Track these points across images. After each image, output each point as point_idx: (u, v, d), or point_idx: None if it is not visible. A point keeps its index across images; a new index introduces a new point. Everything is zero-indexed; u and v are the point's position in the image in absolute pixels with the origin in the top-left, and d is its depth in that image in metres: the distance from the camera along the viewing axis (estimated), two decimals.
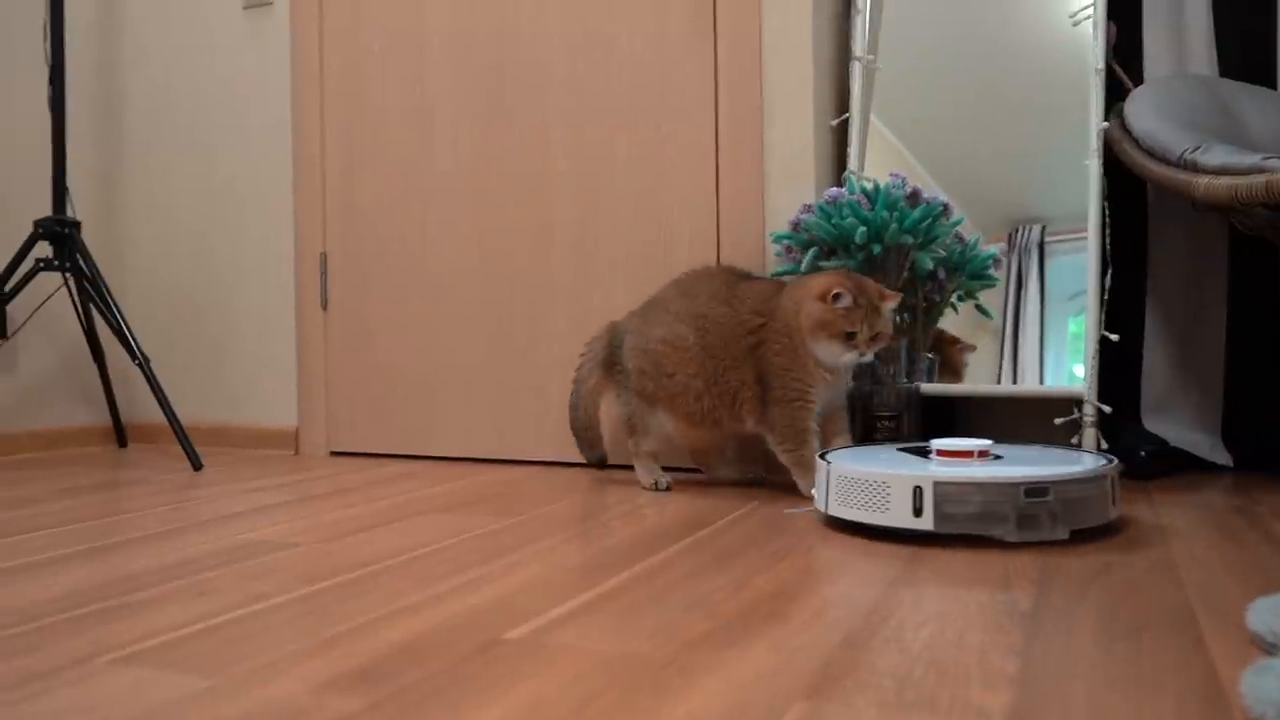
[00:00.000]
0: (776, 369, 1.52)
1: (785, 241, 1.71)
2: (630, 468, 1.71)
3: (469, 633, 0.87)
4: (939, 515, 1.18)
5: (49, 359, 2.40)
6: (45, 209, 2.31)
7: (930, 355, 1.73)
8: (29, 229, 2.29)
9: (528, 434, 2.02)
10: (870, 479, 1.23)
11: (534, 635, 0.86)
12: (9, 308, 2.22)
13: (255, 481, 1.83)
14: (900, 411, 1.58)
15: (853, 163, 1.81)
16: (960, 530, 1.18)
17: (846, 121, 1.85)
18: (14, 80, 2.34)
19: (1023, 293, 1.72)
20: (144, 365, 2.04)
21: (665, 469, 1.70)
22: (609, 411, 1.80)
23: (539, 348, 2.01)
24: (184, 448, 2.00)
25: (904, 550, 1.17)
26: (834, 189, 1.65)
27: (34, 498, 1.67)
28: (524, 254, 2.03)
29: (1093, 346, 1.62)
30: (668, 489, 1.65)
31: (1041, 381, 1.68)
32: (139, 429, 2.49)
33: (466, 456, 2.09)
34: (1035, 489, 1.17)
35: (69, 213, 2.15)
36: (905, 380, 1.62)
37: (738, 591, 1.00)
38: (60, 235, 2.11)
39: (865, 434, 1.62)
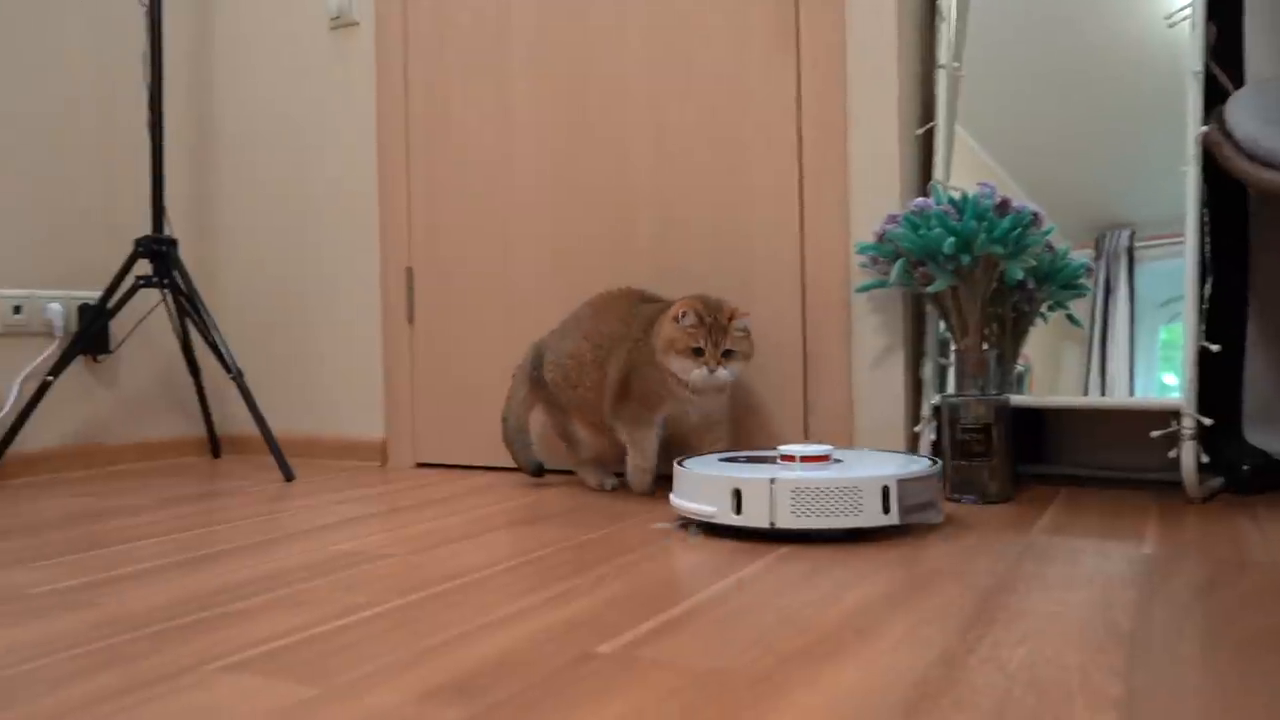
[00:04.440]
0: (639, 375, 1.68)
1: (870, 253, 1.69)
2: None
3: (561, 646, 0.88)
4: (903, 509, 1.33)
5: (148, 373, 2.48)
6: (145, 228, 2.40)
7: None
8: (130, 248, 2.38)
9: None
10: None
11: (625, 649, 0.87)
12: (111, 324, 2.31)
13: (345, 492, 1.87)
14: (989, 424, 1.55)
15: (938, 172, 1.79)
16: (911, 521, 1.34)
17: (931, 130, 1.83)
18: (115, 107, 2.43)
19: (1111, 300, 1.68)
20: (238, 378, 2.10)
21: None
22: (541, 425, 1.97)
23: None
24: (276, 459, 2.05)
25: (998, 566, 1.15)
26: (921, 199, 1.63)
27: (137, 507, 1.73)
28: (604, 268, 2.04)
29: (1192, 356, 1.57)
30: (614, 490, 1.80)
31: (1131, 392, 1.64)
32: (232, 440, 2.57)
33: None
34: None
35: (166, 231, 2.22)
36: (994, 392, 1.60)
37: (830, 605, 0.99)
38: (159, 253, 2.18)
39: (953, 449, 1.60)
